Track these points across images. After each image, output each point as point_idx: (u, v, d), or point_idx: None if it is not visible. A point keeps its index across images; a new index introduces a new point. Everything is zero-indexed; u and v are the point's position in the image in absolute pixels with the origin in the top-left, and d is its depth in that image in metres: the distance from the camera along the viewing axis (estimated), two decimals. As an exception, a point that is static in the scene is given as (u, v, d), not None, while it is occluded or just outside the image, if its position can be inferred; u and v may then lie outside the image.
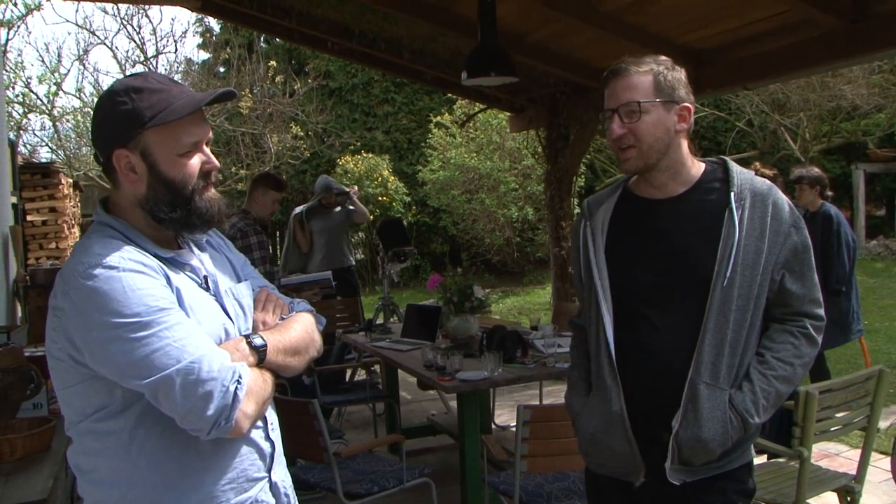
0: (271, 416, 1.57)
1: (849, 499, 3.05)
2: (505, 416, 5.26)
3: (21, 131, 13.72)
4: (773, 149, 13.25)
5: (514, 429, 2.91)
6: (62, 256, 6.52)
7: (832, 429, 2.95)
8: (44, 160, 11.19)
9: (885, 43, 3.63)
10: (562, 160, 6.15)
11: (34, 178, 6.90)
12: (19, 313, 5.60)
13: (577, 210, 6.37)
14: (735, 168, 1.79)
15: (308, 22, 5.47)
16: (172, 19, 35.24)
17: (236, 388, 1.35)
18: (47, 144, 14.40)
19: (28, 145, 14.32)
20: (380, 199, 12.34)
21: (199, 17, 15.51)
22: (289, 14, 5.36)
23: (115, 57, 14.47)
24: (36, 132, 15.30)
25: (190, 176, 1.42)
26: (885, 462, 4.08)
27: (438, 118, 12.63)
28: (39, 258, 6.65)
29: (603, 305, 1.80)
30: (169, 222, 1.44)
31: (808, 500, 2.85)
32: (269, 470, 1.53)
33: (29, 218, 6.75)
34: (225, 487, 1.44)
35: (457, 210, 12.50)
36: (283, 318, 1.58)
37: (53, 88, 13.58)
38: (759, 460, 3.58)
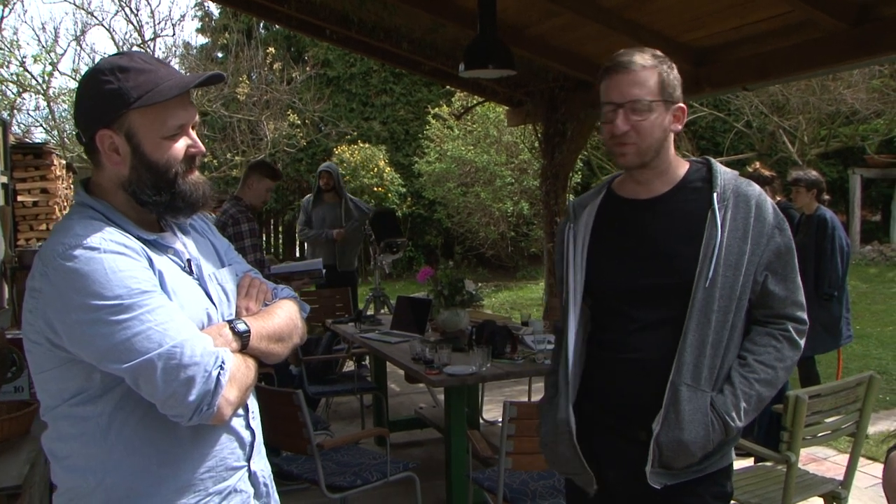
0: (252, 404, 1.54)
1: (835, 504, 3.05)
2: (494, 411, 5.24)
3: (15, 111, 13.61)
4: (770, 151, 13.25)
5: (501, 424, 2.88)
6: (53, 238, 6.42)
7: (821, 434, 2.95)
8: (38, 141, 11.07)
9: (888, 47, 3.59)
10: (558, 156, 6.13)
11: (26, 158, 6.81)
12: (6, 295, 5.55)
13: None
14: (719, 168, 1.77)
15: (306, 9, 5.42)
16: (171, 2, 34.95)
17: (219, 373, 1.32)
18: (42, 125, 14.30)
19: (22, 125, 14.22)
20: (375, 189, 12.31)
21: (199, 0, 15.44)
22: (287, 0, 5.31)
23: (112, 39, 14.32)
24: (30, 112, 15.11)
25: (174, 159, 1.38)
26: (873, 468, 4.09)
27: (436, 110, 12.58)
28: (29, 239, 6.58)
29: (571, 310, 1.80)
30: (153, 205, 1.41)
31: (794, 505, 2.84)
32: (248, 459, 1.50)
33: (20, 199, 6.68)
34: (203, 476, 1.41)
35: (452, 203, 12.47)
36: (266, 305, 1.56)
37: (49, 68, 13.44)
38: (747, 463, 3.57)
